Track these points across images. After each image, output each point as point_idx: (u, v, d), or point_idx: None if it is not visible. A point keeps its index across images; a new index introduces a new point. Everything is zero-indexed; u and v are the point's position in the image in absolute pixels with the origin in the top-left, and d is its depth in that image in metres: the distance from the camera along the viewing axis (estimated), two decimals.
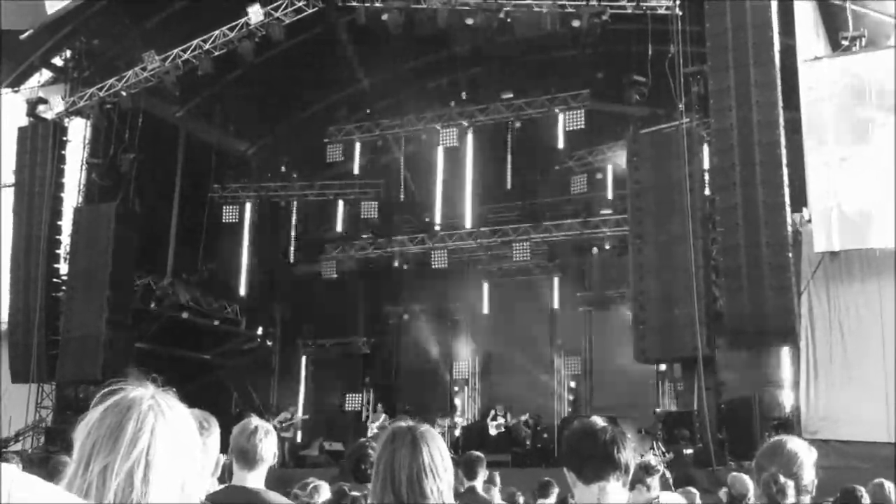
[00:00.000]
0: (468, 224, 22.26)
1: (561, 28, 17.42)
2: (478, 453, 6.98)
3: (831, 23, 14.92)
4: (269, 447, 3.93)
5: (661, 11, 15.61)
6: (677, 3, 15.32)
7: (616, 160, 19.43)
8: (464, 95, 21.83)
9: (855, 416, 13.84)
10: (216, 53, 19.10)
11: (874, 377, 13.91)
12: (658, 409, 17.97)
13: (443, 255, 21.84)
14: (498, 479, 8.78)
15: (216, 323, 23.42)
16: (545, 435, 19.23)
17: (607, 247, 20.57)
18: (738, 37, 14.68)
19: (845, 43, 14.31)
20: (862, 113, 13.95)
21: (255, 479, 3.90)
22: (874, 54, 14.02)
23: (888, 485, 6.34)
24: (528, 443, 19.02)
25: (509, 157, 21.46)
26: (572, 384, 22.03)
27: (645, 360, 17.13)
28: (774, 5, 14.48)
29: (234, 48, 18.96)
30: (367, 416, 21.58)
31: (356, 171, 23.15)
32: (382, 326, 24.70)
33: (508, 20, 17.57)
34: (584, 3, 16.46)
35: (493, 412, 20.03)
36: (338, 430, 22.01)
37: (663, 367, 18.00)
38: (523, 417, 19.29)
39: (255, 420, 4.03)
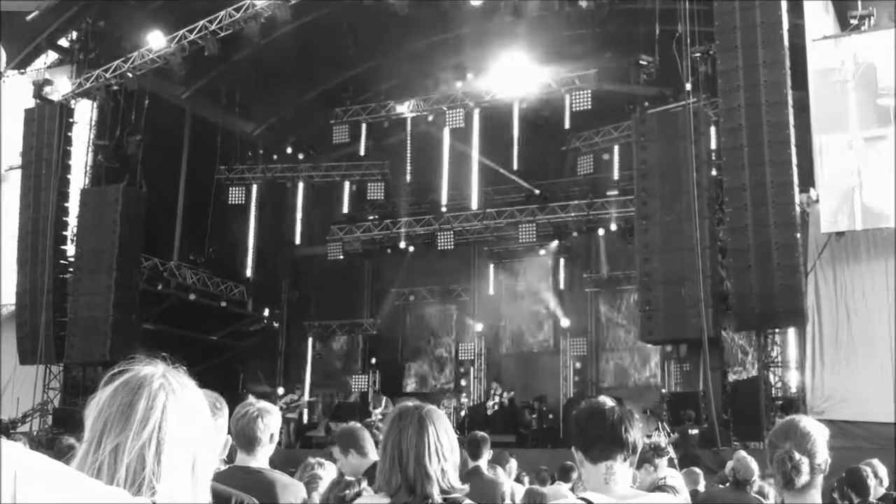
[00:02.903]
0: (474, 205, 22.22)
1: (569, 8, 17.34)
2: (483, 433, 6.99)
3: (841, 1, 14.79)
4: (267, 428, 3.88)
5: None
6: None
7: (623, 140, 19.38)
8: (470, 76, 21.72)
9: (861, 396, 13.85)
10: (222, 34, 19.02)
11: (881, 358, 13.90)
12: (664, 390, 18.03)
13: (449, 236, 21.81)
14: (514, 463, 8.81)
15: (223, 304, 23.42)
16: (550, 416, 19.31)
17: (613, 228, 20.53)
18: (746, 16, 14.59)
19: (854, 22, 14.20)
20: (880, 94, 13.86)
21: (257, 460, 3.88)
22: (884, 33, 13.91)
23: (876, 463, 6.32)
24: (533, 424, 19.12)
25: (516, 138, 21.39)
26: (578, 365, 22.06)
27: (651, 341, 17.15)
28: None
29: (240, 29, 18.88)
30: (371, 401, 21.64)
31: (362, 152, 23.10)
32: (388, 308, 24.72)
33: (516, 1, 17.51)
34: None
35: (491, 391, 20.14)
36: (344, 411, 22.06)
37: (669, 348, 17.99)
38: (506, 395, 19.43)
39: (253, 401, 3.99)
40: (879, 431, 13.14)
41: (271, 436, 3.92)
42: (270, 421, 3.91)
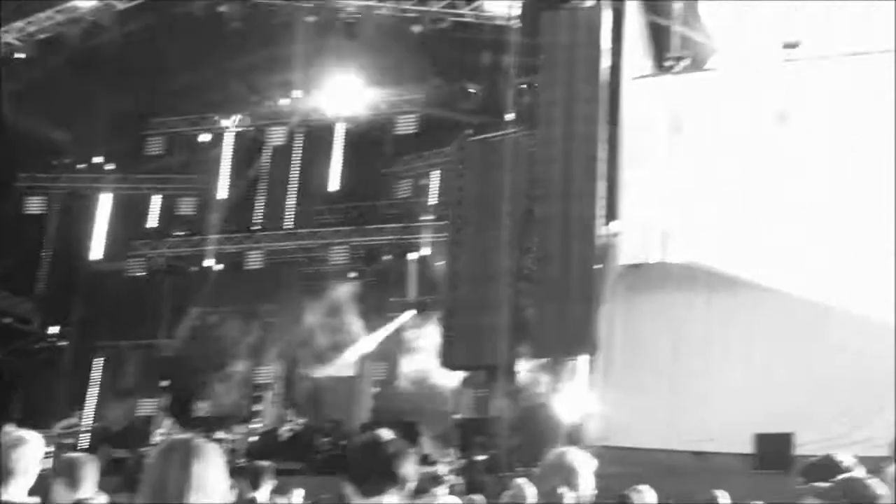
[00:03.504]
0: (288, 225, 21.89)
1: (401, 31, 17.67)
2: (265, 463, 7.00)
3: (658, 43, 15.80)
4: (21, 459, 3.70)
5: (499, 22, 16.11)
6: (515, 14, 15.87)
7: (444, 167, 19.74)
8: (297, 94, 21.64)
9: (640, 423, 14.30)
10: (40, 37, 18.20)
11: (659, 386, 14.44)
12: (456, 416, 18.13)
13: (258, 255, 21.37)
14: (301, 492, 8.61)
15: (7, 320, 21.91)
16: (343, 442, 18.94)
17: (425, 253, 20.69)
18: (569, 52, 15.33)
19: (669, 63, 15.14)
20: (676, 132, 14.75)
21: (9, 493, 3.67)
22: (694, 76, 14.91)
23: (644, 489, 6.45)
24: (325, 449, 18.66)
25: (338, 159, 21.37)
26: (377, 390, 21.82)
27: (451, 366, 17.26)
28: (607, 22, 15.22)
29: (60, 32, 18.11)
30: (153, 424, 20.64)
31: (176, 165, 22.45)
32: (187, 328, 23.74)
33: (349, 20, 17.68)
34: (424, 8, 16.79)
35: (286, 417, 19.64)
36: (127, 436, 20.84)
37: (467, 373, 18.12)
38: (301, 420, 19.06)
39: (9, 430, 3.82)
40: (655, 458, 13.57)
41: (27, 467, 3.72)
42: (26, 451, 3.73)
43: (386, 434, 2.77)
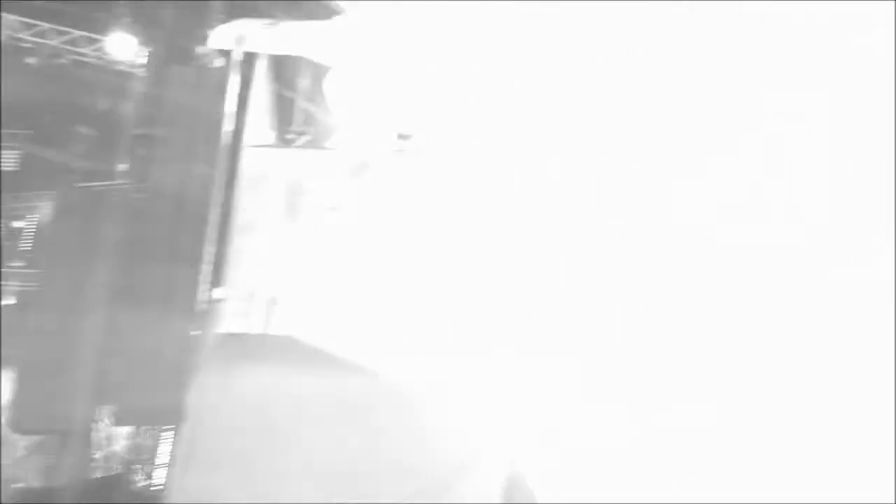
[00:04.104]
0: None
1: (14, 63, 16.37)
2: None
3: (282, 114, 15.94)
4: None
5: (122, 67, 15.45)
6: (140, 62, 15.33)
7: (41, 210, 18.27)
8: None
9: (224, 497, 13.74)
10: None
11: (245, 462, 13.98)
12: (17, 485, 16.44)
13: None
14: None
15: None
16: None
17: (13, 301, 18.82)
18: (191, 109, 14.95)
19: (290, 136, 15.27)
20: (294, 202, 14.82)
21: None
22: (312, 152, 15.13)
23: None
24: None
25: None
26: None
27: (22, 431, 15.70)
28: (233, 86, 15.00)
29: None
30: None
31: None
32: None
33: None
34: (42, 40, 15.72)
35: None
36: None
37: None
38: None
39: None
40: None
41: None
42: None
43: None
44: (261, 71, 15.28)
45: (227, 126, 14.99)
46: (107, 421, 15.44)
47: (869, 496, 13.02)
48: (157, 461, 15.67)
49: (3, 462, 15.68)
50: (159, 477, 15.69)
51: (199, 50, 15.17)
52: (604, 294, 14.83)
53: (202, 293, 14.52)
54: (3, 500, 15.26)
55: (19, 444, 16.74)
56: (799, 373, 13.98)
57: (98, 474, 15.09)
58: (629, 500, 13.50)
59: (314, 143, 15.45)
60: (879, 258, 14.08)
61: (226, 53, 15.17)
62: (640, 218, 14.86)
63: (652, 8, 15.02)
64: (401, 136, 14.68)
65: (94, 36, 16.19)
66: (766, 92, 14.88)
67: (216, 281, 14.86)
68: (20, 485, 16.43)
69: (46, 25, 15.88)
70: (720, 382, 14.12)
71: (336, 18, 15.97)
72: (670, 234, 14.75)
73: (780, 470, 13.71)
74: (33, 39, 15.53)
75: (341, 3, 15.99)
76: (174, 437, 14.96)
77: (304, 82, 15.83)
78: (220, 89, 14.99)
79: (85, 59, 15.47)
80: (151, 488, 15.37)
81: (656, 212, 14.84)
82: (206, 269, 14.54)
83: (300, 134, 15.37)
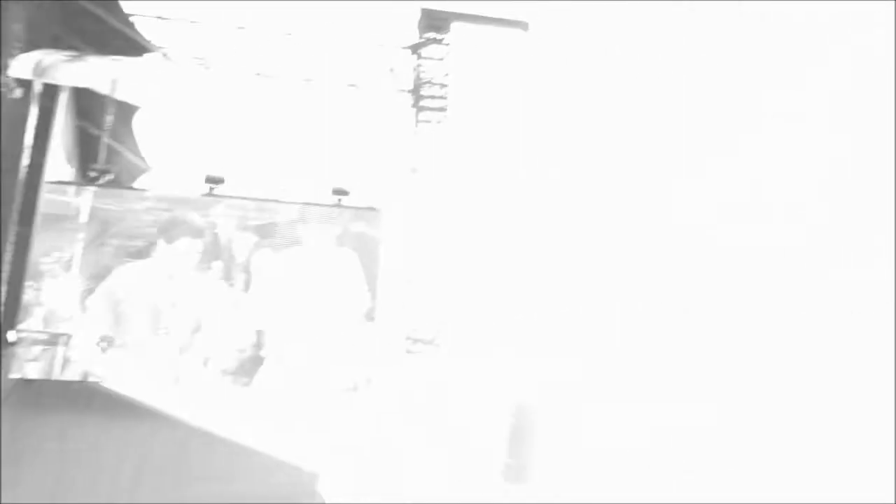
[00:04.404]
0: None
1: None
2: None
3: (86, 150, 15.53)
4: None
5: None
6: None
7: None
8: None
9: None
10: None
11: None
12: None
13: None
14: None
15: None
16: None
17: None
18: None
19: (93, 174, 14.60)
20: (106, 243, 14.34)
21: None
22: (116, 191, 14.52)
23: None
24: None
25: None
26: None
27: None
28: (32, 118, 14.22)
29: None
30: None
31: None
32: None
33: None
34: None
35: None
36: None
37: None
38: None
39: None
40: None
41: None
42: None
43: None
44: (63, 105, 14.58)
45: (25, 160, 14.23)
46: None
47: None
48: None
49: None
50: None
51: None
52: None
53: None
54: None
55: None
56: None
57: None
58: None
59: (118, 183, 14.79)
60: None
61: (26, 84, 14.24)
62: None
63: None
64: (209, 180, 14.30)
65: None
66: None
67: (9, 323, 13.92)
68: None
69: None
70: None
71: (150, 55, 15.55)
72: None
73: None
74: None
75: (156, 42, 15.55)
76: None
77: (109, 119, 15.10)
78: (19, 122, 14.14)
79: None
80: None
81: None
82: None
83: (103, 172, 14.59)
